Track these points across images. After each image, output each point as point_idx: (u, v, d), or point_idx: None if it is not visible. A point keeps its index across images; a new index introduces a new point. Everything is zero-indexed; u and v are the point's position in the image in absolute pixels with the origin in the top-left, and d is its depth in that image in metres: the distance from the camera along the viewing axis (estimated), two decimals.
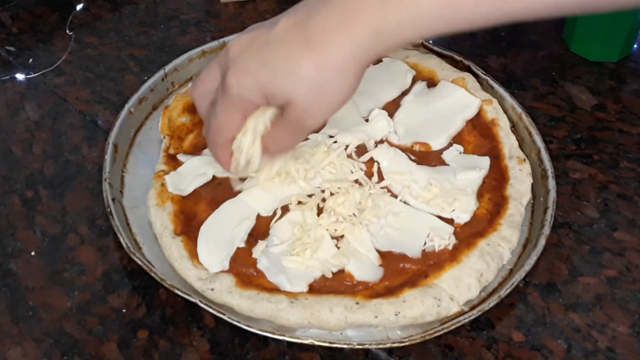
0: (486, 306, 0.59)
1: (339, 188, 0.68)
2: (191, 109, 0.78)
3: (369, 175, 0.71)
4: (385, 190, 0.69)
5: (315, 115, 0.55)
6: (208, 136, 0.61)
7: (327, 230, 0.64)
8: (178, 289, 0.59)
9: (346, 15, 0.50)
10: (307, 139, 0.71)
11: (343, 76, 0.53)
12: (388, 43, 0.52)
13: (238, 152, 0.61)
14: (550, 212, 0.66)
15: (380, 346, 0.58)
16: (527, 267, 0.62)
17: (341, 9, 0.51)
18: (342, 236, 0.65)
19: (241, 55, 0.55)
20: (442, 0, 0.49)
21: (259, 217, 0.67)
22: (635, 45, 0.91)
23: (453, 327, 0.58)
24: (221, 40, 0.87)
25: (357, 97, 0.57)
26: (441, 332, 0.58)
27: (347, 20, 0.51)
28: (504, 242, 0.64)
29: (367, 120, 0.76)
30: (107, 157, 0.71)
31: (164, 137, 0.75)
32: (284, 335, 0.57)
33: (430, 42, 0.86)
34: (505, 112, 0.77)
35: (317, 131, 0.72)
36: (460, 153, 0.74)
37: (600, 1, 0.50)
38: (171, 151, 0.74)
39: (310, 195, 0.68)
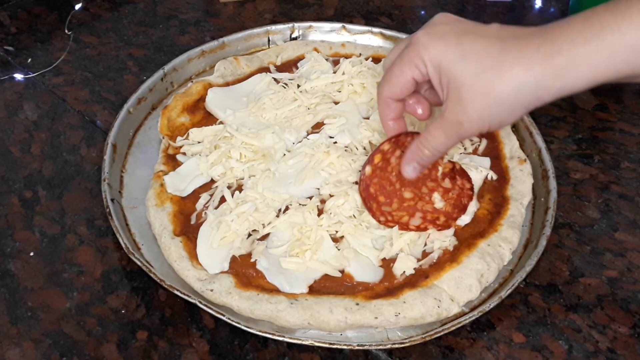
0: (487, 307, 0.59)
1: (339, 190, 0.67)
2: (190, 108, 0.77)
3: None
4: None
5: (474, 119, 0.54)
6: (378, 87, 0.62)
7: (327, 231, 0.64)
8: (177, 290, 0.59)
9: (547, 44, 0.50)
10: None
11: (513, 97, 0.52)
12: (567, 81, 0.50)
13: None
14: (551, 212, 0.66)
15: (380, 347, 0.58)
16: (528, 267, 0.62)
17: (544, 41, 0.50)
18: (342, 237, 0.65)
19: (444, 24, 0.56)
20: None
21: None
22: None
23: (453, 328, 0.58)
24: (220, 40, 0.87)
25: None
26: (441, 333, 0.58)
27: (547, 49, 0.50)
28: (504, 242, 0.64)
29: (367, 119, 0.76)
30: (106, 157, 0.71)
31: (163, 137, 0.75)
32: (283, 336, 0.57)
33: None
34: None
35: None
36: (460, 153, 0.74)
37: None
38: (170, 151, 0.73)
39: (310, 197, 0.68)
